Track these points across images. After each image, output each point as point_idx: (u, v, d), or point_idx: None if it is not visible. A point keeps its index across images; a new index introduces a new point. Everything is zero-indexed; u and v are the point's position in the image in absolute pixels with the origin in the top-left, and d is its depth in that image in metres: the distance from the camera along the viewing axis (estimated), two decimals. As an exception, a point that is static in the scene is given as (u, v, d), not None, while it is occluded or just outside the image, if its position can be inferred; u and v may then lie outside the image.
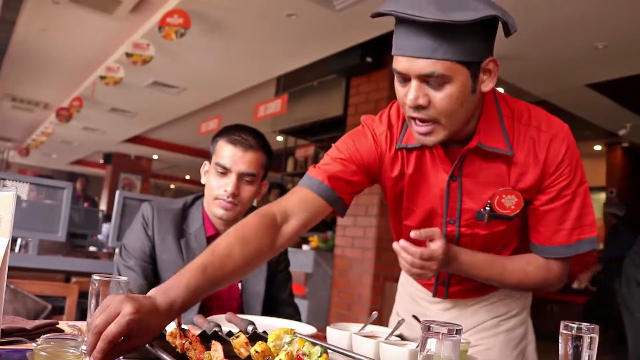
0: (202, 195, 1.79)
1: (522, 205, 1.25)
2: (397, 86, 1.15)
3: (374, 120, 1.34)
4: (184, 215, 1.74)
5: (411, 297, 1.57)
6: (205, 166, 1.76)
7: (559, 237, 1.26)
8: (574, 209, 1.24)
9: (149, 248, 1.68)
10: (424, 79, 1.08)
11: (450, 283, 1.41)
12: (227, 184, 1.64)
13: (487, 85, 1.15)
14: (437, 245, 1.17)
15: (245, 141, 1.66)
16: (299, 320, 1.81)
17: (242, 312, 1.74)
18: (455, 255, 1.24)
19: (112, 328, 0.88)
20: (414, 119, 1.14)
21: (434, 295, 1.46)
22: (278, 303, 1.84)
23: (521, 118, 1.25)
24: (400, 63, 1.09)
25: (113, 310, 0.90)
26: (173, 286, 1.03)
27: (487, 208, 1.25)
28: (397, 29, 1.10)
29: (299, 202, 1.26)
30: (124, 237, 1.76)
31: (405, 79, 1.11)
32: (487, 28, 1.08)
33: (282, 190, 7.55)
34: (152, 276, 1.68)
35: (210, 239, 1.71)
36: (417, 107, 1.10)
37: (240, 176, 1.65)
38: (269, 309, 1.80)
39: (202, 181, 1.76)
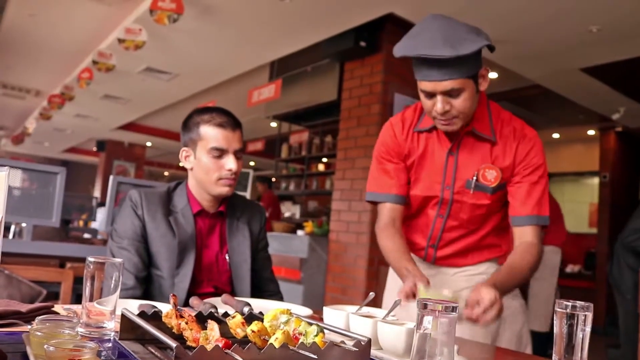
0: (182, 182, 1.91)
1: (499, 179, 1.67)
2: (424, 100, 1.59)
3: (393, 118, 1.84)
4: (169, 198, 1.86)
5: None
6: (185, 152, 1.85)
7: (525, 208, 1.67)
8: (537, 190, 1.67)
9: (140, 227, 1.78)
10: (446, 93, 1.53)
11: (438, 246, 1.80)
12: (228, 163, 1.78)
13: (483, 85, 1.60)
14: (489, 296, 1.40)
15: (230, 122, 1.80)
16: (281, 297, 2.00)
17: (232, 284, 1.85)
18: (496, 287, 1.46)
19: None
20: (440, 119, 1.59)
21: (425, 259, 1.84)
22: (261, 280, 1.98)
23: (504, 119, 1.71)
24: (427, 86, 1.54)
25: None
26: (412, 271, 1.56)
27: (474, 178, 1.68)
28: (418, 62, 1.52)
29: (391, 211, 1.78)
30: (114, 223, 1.85)
31: (431, 95, 1.55)
32: (479, 50, 1.51)
33: (269, 183, 7.59)
34: (145, 254, 1.77)
35: (196, 216, 1.85)
36: (444, 113, 1.56)
37: (235, 153, 1.80)
38: (254, 286, 1.93)
39: (187, 166, 1.86)
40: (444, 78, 1.50)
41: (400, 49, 1.54)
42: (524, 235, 1.68)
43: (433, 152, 1.73)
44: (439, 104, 1.54)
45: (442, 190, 1.72)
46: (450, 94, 1.53)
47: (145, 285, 1.76)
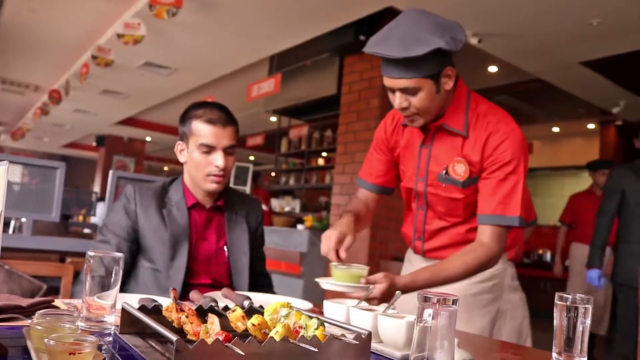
0: (177, 177, 1.95)
1: (469, 173, 1.64)
2: (389, 94, 1.63)
3: (390, 111, 1.87)
4: (164, 191, 1.90)
5: (409, 262, 1.93)
6: (179, 145, 1.88)
7: (488, 207, 1.61)
8: (503, 188, 1.60)
9: (129, 222, 1.81)
10: (404, 90, 1.56)
11: (424, 238, 1.80)
12: (216, 160, 1.79)
13: (447, 84, 1.59)
14: (379, 291, 1.46)
15: (221, 118, 1.81)
16: (273, 291, 2.03)
17: (231, 277, 1.87)
18: (397, 285, 1.50)
19: None
20: (402, 114, 1.66)
21: (414, 251, 1.86)
22: (257, 274, 2.01)
23: (480, 113, 1.66)
24: (386, 81, 1.58)
25: None
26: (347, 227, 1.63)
27: (444, 172, 1.67)
28: (382, 59, 1.56)
29: (365, 195, 1.90)
30: (106, 216, 1.90)
31: (392, 90, 1.59)
32: (440, 51, 1.49)
33: (256, 177, 7.53)
34: (127, 252, 1.79)
35: (191, 208, 1.88)
36: (402, 109, 1.60)
37: (225, 150, 1.80)
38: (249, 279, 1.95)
39: (182, 160, 1.89)
40: (398, 76, 1.53)
41: (366, 46, 1.59)
42: (481, 235, 1.62)
43: (413, 145, 1.77)
44: (397, 99, 1.59)
45: (416, 182, 1.76)
46: (407, 91, 1.56)
47: (130, 271, 1.80)
